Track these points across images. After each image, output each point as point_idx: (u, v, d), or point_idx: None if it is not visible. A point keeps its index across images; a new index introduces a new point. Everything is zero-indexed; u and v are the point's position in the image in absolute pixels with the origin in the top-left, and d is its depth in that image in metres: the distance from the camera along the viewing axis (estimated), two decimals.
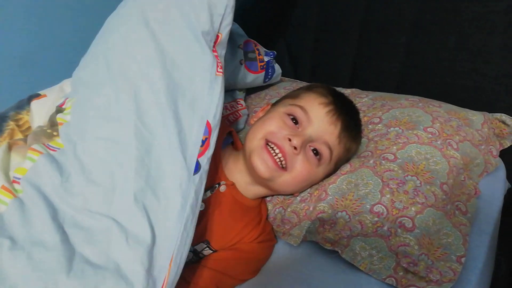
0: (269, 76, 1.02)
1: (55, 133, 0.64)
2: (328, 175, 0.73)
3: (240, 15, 1.22)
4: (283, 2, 1.13)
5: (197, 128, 0.59)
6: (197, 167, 0.58)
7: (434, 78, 0.93)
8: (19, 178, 0.55)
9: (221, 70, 0.64)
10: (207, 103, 0.61)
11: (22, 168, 0.57)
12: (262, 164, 0.67)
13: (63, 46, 1.17)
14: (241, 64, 0.95)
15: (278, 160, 0.67)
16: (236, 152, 0.80)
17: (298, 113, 0.70)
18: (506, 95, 0.85)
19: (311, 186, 0.75)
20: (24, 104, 0.81)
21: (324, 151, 0.69)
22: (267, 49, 1.01)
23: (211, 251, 0.68)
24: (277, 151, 0.67)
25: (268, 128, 0.70)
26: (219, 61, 0.64)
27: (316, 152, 0.69)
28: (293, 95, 0.78)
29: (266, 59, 0.99)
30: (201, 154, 0.59)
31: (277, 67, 1.04)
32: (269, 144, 0.68)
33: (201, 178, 0.58)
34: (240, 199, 0.73)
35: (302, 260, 0.71)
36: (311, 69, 1.17)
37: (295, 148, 0.66)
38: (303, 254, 0.71)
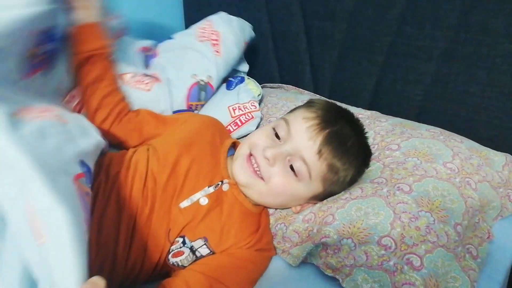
0: None
1: None
2: (318, 195, 0.72)
3: (269, 18, 1.21)
4: (312, 11, 1.11)
5: None
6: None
7: (459, 111, 0.90)
8: None
9: None
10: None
11: None
12: (241, 169, 0.71)
13: None
14: None
15: (258, 169, 0.70)
16: None
17: (281, 127, 0.72)
18: None
19: (299, 203, 0.74)
20: None
21: (300, 167, 0.67)
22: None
23: (209, 251, 0.67)
24: (253, 161, 0.70)
25: (253, 139, 0.74)
26: None
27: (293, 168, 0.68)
28: (292, 109, 0.80)
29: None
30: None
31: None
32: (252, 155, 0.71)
33: None
34: (242, 201, 0.72)
35: (299, 281, 0.68)
36: (332, 85, 1.15)
37: (268, 160, 0.68)
38: (301, 276, 0.69)
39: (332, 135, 0.68)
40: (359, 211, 0.65)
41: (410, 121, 0.88)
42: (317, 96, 1.10)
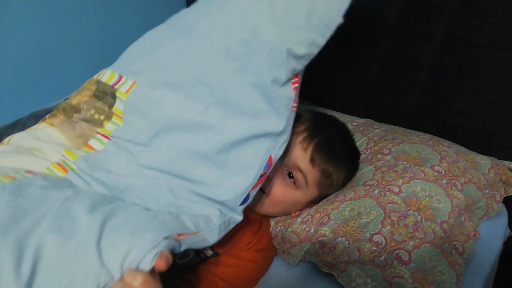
0: None
1: (102, 117, 0.70)
2: (315, 199, 0.77)
3: None
4: None
5: (261, 160, 0.62)
6: (245, 199, 0.62)
7: (447, 118, 0.95)
8: (70, 160, 0.64)
9: (295, 105, 0.66)
10: (276, 138, 0.64)
11: (72, 152, 0.64)
12: None
13: (97, 43, 1.23)
14: None
15: None
16: None
17: None
18: None
19: (298, 209, 0.78)
20: None
21: (298, 175, 0.73)
22: None
23: (212, 252, 0.71)
24: None
25: None
26: (296, 95, 0.66)
27: (292, 176, 0.73)
28: None
29: None
30: (254, 187, 0.62)
31: None
32: None
33: (242, 211, 0.62)
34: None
35: (299, 279, 0.73)
36: (329, 95, 1.20)
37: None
38: (300, 274, 0.73)
39: (321, 142, 0.74)
40: (352, 211, 0.70)
41: (402, 128, 0.93)
42: (314, 106, 1.15)
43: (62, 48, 1.15)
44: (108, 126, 0.69)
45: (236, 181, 0.62)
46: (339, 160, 0.75)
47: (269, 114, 0.63)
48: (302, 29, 0.62)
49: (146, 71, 0.70)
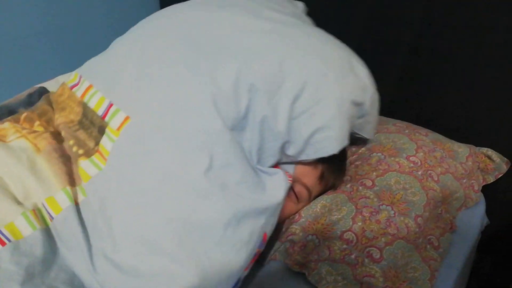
0: None
1: (80, 152, 0.57)
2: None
3: None
4: None
5: (256, 239, 0.54)
6: (236, 284, 0.53)
7: (426, 104, 0.92)
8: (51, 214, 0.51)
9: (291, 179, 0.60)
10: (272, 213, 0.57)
11: (55, 202, 0.52)
12: None
13: (65, 31, 1.18)
14: None
15: None
16: None
17: None
18: (495, 130, 0.84)
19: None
20: (35, 101, 0.76)
21: (303, 192, 0.66)
22: None
23: None
24: None
25: None
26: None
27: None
28: None
29: None
30: (246, 268, 0.54)
31: None
32: None
33: None
34: None
35: (270, 278, 0.70)
36: None
37: None
38: (271, 273, 0.71)
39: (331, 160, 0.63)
40: (324, 208, 0.66)
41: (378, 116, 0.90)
42: None
43: (20, 38, 1.09)
44: (86, 165, 0.55)
45: (225, 263, 0.50)
46: (342, 170, 0.71)
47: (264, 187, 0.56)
48: None
49: (141, 102, 0.56)
